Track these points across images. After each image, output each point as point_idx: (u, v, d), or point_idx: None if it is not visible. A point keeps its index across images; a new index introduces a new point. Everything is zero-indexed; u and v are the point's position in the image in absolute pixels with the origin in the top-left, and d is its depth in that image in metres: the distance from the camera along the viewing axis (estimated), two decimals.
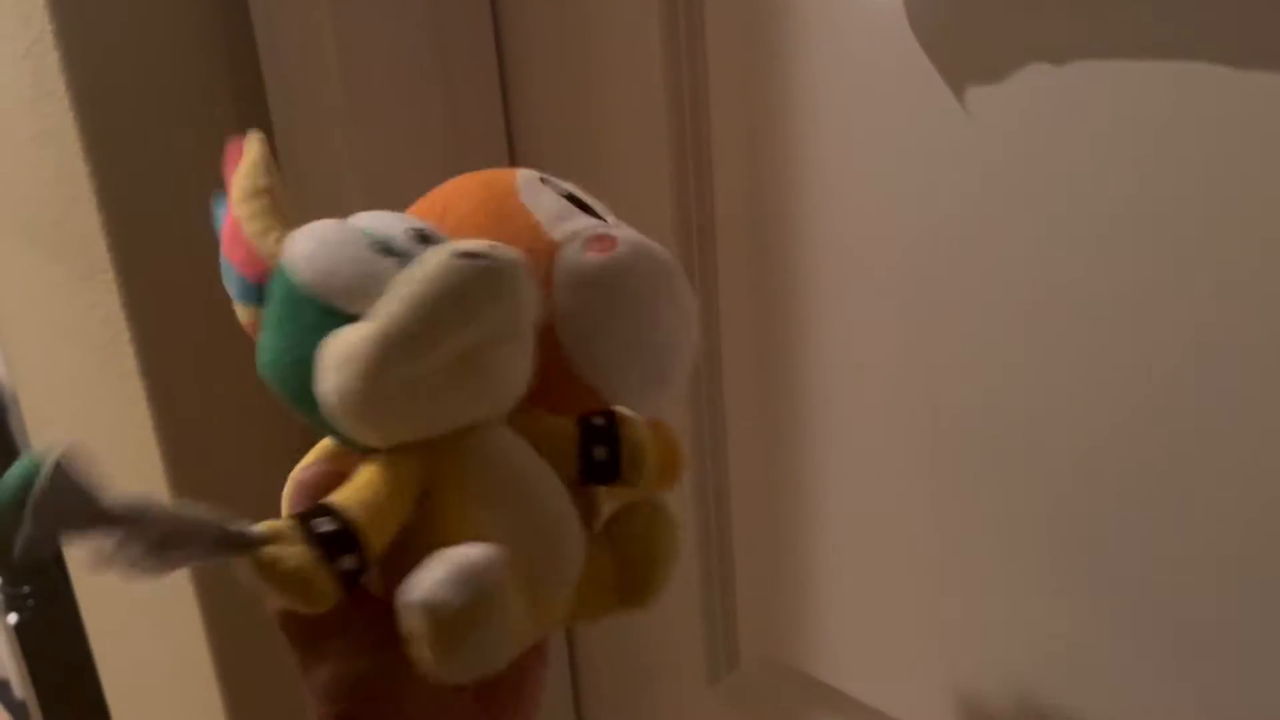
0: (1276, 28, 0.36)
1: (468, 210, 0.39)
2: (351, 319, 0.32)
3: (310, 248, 0.34)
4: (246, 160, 0.37)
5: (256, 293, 0.35)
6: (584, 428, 0.38)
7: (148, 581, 0.29)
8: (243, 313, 0.37)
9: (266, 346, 0.34)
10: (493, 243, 0.33)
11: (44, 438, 0.89)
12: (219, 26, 0.65)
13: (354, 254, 0.33)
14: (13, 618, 1.63)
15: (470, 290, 0.32)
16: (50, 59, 0.61)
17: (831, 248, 0.51)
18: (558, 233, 0.39)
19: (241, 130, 0.65)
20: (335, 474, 0.35)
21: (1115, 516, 0.45)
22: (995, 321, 0.47)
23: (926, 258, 0.48)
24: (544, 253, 0.38)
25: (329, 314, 0.32)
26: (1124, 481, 0.44)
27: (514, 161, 0.67)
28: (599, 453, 0.37)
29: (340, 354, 0.32)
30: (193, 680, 0.75)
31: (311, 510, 0.32)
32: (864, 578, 0.56)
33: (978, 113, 0.44)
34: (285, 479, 0.38)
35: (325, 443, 0.38)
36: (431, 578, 0.30)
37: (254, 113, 0.66)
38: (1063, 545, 0.47)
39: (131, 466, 0.71)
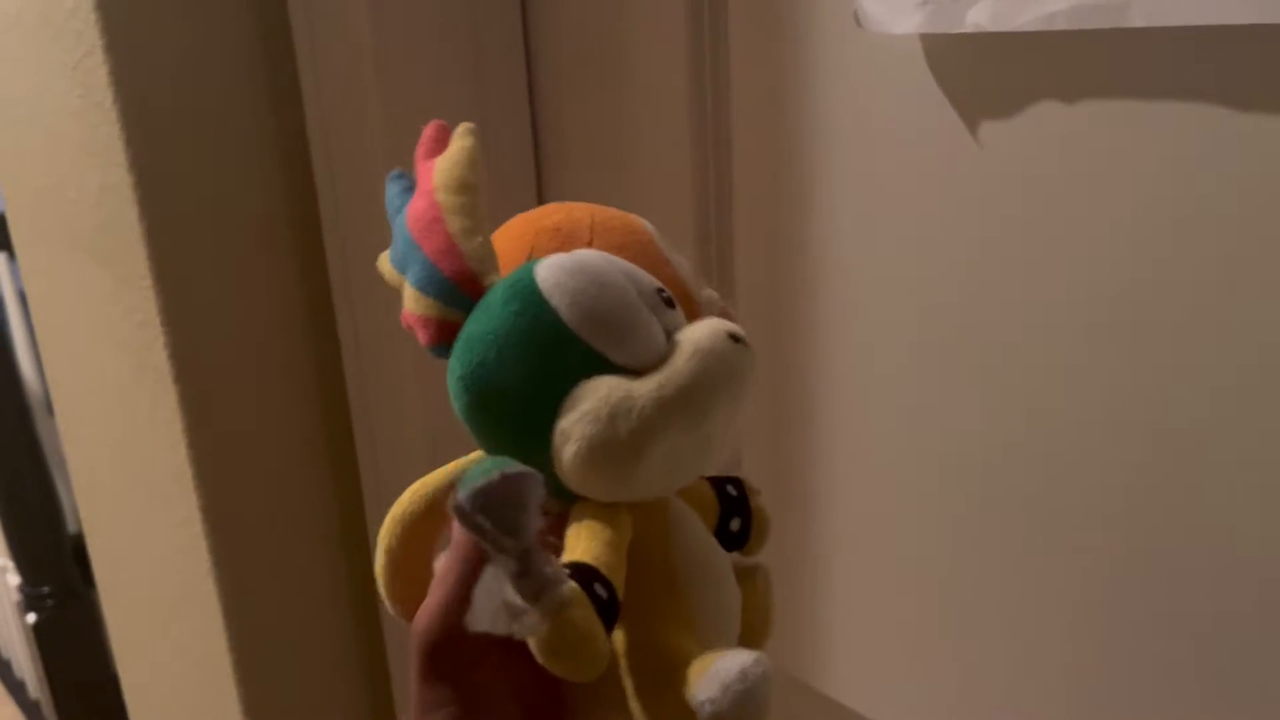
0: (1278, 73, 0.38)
1: (617, 244, 0.37)
2: (616, 368, 0.32)
3: (577, 284, 0.32)
4: (459, 149, 0.36)
5: (448, 290, 0.34)
6: (721, 497, 0.38)
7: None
8: (418, 303, 0.35)
9: (493, 364, 0.33)
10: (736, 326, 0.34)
11: (76, 438, 0.91)
12: (260, 44, 0.67)
13: (625, 302, 0.33)
14: (31, 617, 1.65)
15: (741, 372, 0.33)
16: (100, 73, 0.63)
17: (846, 272, 0.53)
18: (700, 295, 0.38)
19: (280, 146, 0.68)
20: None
21: (1121, 541, 0.46)
22: (1004, 352, 0.48)
23: (938, 285, 0.49)
24: (693, 314, 0.37)
25: (593, 358, 0.32)
26: (1135, 508, 0.46)
27: (539, 166, 0.68)
28: (735, 524, 0.38)
29: (620, 405, 0.31)
30: (212, 683, 0.77)
31: (581, 572, 0.31)
32: (865, 589, 0.58)
33: (990, 147, 0.46)
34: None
35: (460, 465, 0.37)
36: (728, 687, 0.29)
37: (293, 128, 0.68)
38: (1068, 565, 0.48)
39: (162, 469, 0.73)
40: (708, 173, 0.57)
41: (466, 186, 0.35)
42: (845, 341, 0.54)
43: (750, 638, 0.38)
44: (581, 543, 0.32)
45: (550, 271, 0.33)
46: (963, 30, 0.43)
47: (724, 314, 0.37)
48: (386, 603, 0.39)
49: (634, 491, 0.33)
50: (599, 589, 0.30)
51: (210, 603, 0.72)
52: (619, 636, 0.33)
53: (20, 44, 0.71)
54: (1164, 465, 0.44)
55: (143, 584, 0.84)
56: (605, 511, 0.33)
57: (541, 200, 0.69)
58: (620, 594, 0.32)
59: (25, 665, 1.86)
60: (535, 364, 0.32)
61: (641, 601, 0.33)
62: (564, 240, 0.37)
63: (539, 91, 0.66)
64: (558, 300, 0.32)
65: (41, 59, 0.69)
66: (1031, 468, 0.48)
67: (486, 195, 0.35)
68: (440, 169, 0.35)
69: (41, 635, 1.66)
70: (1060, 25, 0.41)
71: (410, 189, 0.37)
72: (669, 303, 0.34)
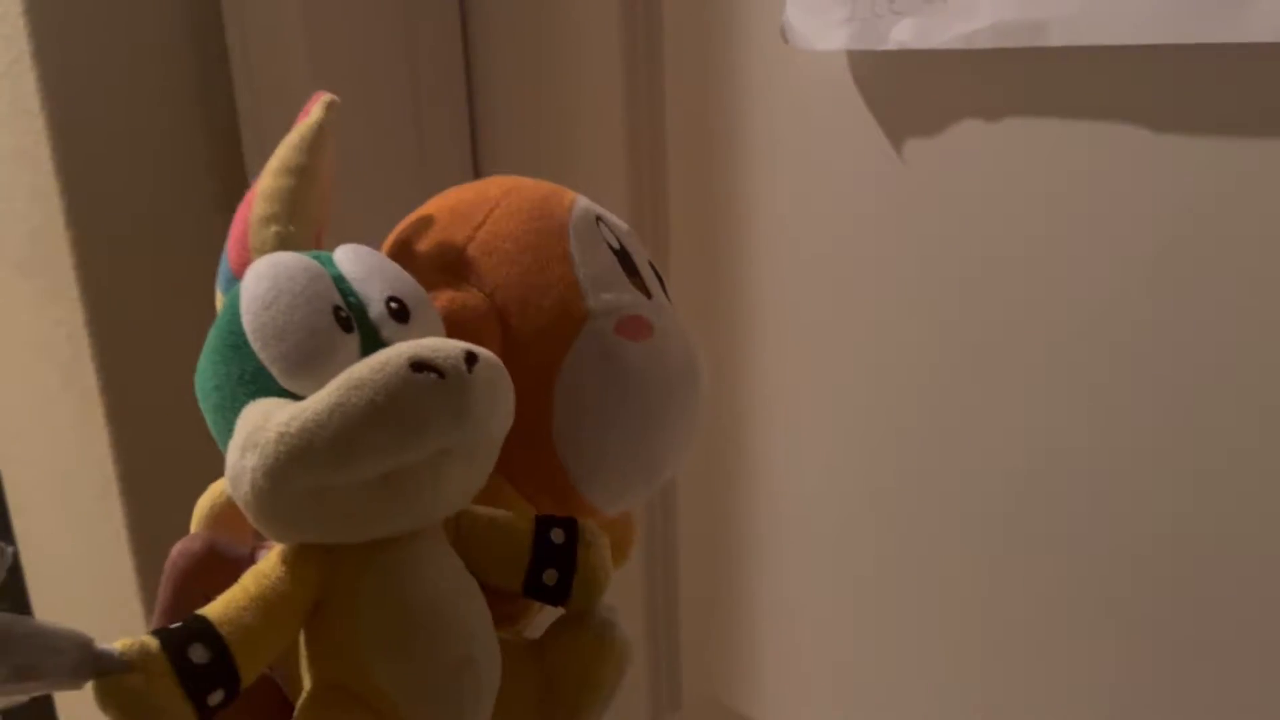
0: (1196, 95, 0.38)
1: (510, 231, 0.35)
2: (284, 393, 0.28)
3: (266, 289, 0.28)
4: (302, 128, 0.32)
5: (230, 284, 0.31)
6: (538, 542, 0.32)
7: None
8: (219, 302, 0.32)
9: (199, 368, 0.31)
10: (468, 349, 0.28)
11: (7, 454, 0.89)
12: (193, 49, 0.66)
13: (311, 320, 0.28)
14: None
15: (414, 413, 0.26)
16: (28, 79, 0.62)
17: (779, 281, 0.53)
18: (594, 300, 0.34)
19: (213, 153, 0.67)
20: (220, 557, 0.31)
21: (1063, 559, 0.46)
22: (926, 362, 0.48)
23: (862, 295, 0.49)
24: (573, 319, 0.34)
25: (262, 377, 0.28)
26: (1067, 506, 0.45)
27: (475, 149, 0.67)
28: (548, 576, 0.32)
29: (250, 438, 0.27)
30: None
31: (184, 630, 0.26)
32: (809, 621, 0.57)
33: (913, 164, 0.46)
34: None
35: (218, 492, 0.34)
36: None
37: (226, 134, 0.67)
38: (1013, 592, 0.48)
39: (89, 483, 0.71)
40: (641, 178, 0.57)
41: (290, 170, 0.31)
42: (778, 349, 0.54)
43: (557, 698, 0.32)
44: (234, 591, 0.28)
45: (254, 273, 0.29)
46: (886, 47, 0.43)
47: (630, 323, 0.34)
48: None
49: (298, 538, 0.29)
50: (197, 652, 0.26)
51: (136, 624, 0.70)
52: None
53: None
54: (1107, 485, 0.44)
55: (71, 605, 0.82)
56: (284, 559, 0.29)
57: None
58: (257, 657, 0.27)
59: None
60: (221, 373, 0.29)
61: (320, 655, 0.29)
62: (452, 222, 0.35)
63: (477, 94, 0.66)
64: (249, 309, 0.28)
65: None
66: (967, 483, 0.48)
67: (323, 181, 0.32)
68: (277, 149, 0.32)
69: None
70: (982, 43, 0.41)
71: None
72: (398, 315, 0.29)
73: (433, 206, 0.37)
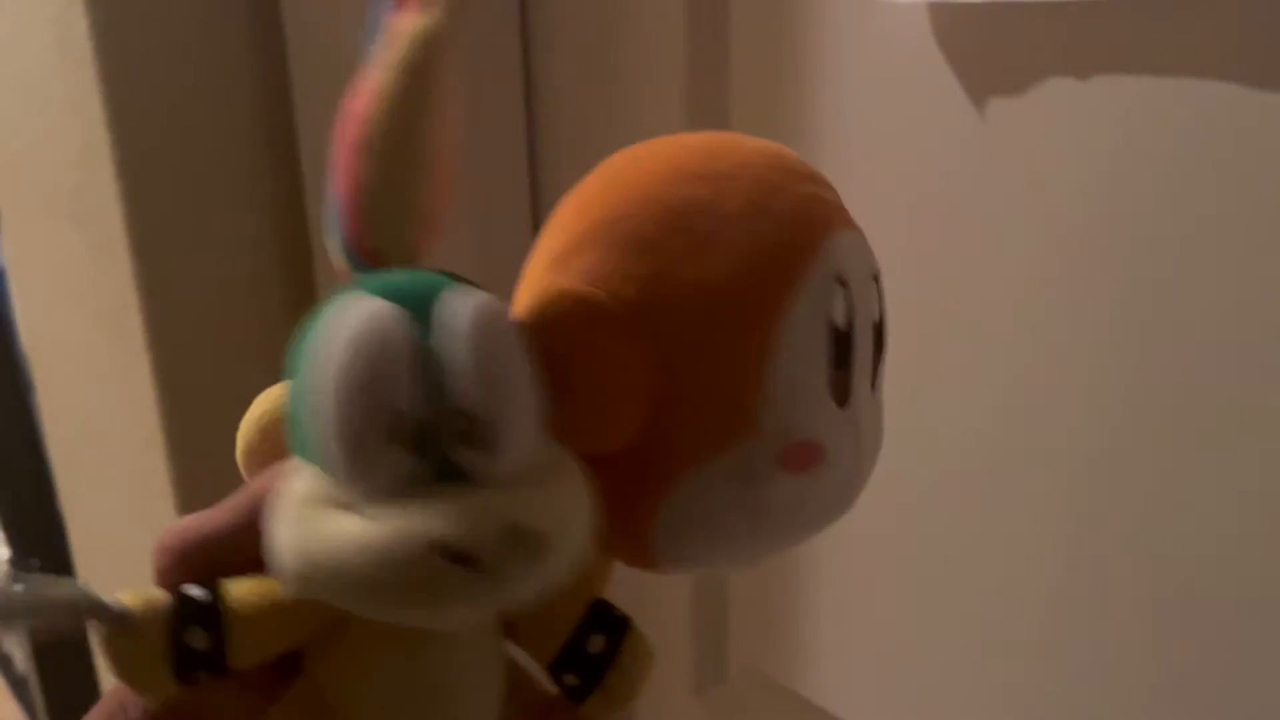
0: None
1: (720, 276, 0.24)
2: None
3: (330, 376, 0.21)
4: (417, 42, 0.23)
5: (344, 244, 0.24)
6: (571, 642, 0.27)
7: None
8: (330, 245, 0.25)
9: (298, 380, 0.24)
10: (524, 527, 0.21)
11: (53, 408, 0.89)
12: (249, 3, 0.65)
13: (365, 433, 0.21)
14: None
15: (431, 599, 0.21)
16: (80, 26, 0.61)
17: None
18: (769, 416, 0.24)
19: (265, 110, 0.66)
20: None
21: (1120, 559, 0.44)
22: (1004, 334, 0.46)
23: (938, 262, 0.47)
24: (733, 431, 0.24)
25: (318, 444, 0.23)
26: (1137, 514, 0.43)
27: (531, 148, 0.66)
28: (595, 644, 0.27)
29: (293, 514, 0.23)
30: None
31: (192, 609, 0.24)
32: (858, 597, 0.55)
33: (997, 123, 0.43)
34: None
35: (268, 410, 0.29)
36: None
37: (279, 91, 0.66)
38: (1065, 583, 0.46)
39: (133, 436, 0.71)
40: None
41: (413, 108, 0.23)
42: None
43: None
44: (260, 583, 0.24)
45: (329, 324, 0.22)
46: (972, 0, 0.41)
47: (800, 453, 0.25)
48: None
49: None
50: (195, 635, 0.23)
51: None
52: None
53: None
54: (1178, 468, 0.41)
55: (118, 560, 0.83)
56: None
57: (535, 186, 0.66)
58: (257, 654, 0.24)
59: (12, 640, 1.84)
60: (302, 412, 0.23)
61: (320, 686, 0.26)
62: (660, 237, 0.24)
63: (535, 71, 0.64)
64: (309, 359, 0.22)
65: (19, 10, 0.67)
66: (1032, 464, 0.46)
67: (450, 118, 0.23)
68: (390, 68, 0.23)
69: None
70: None
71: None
72: (476, 441, 0.22)
73: (632, 191, 0.25)
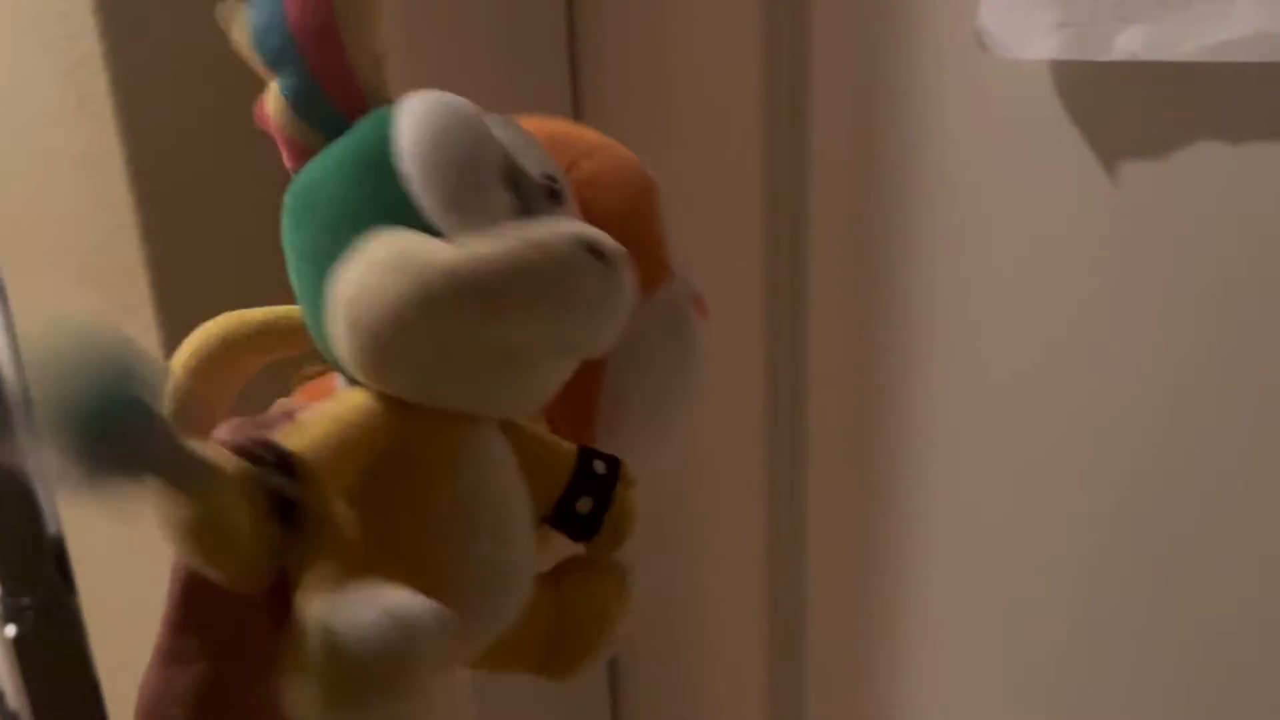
0: None
1: (612, 172, 0.35)
2: (424, 229, 0.26)
3: (430, 135, 0.27)
4: None
5: (325, 113, 0.29)
6: (580, 468, 0.31)
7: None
8: (288, 124, 0.30)
9: (317, 179, 0.28)
10: (624, 252, 0.27)
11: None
12: None
13: (478, 173, 0.27)
14: (11, 630, 1.59)
15: (579, 290, 0.26)
16: (98, 81, 0.57)
17: (951, 323, 0.48)
18: (676, 265, 0.36)
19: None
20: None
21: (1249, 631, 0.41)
22: (1128, 408, 0.43)
23: (1060, 338, 0.44)
24: (655, 278, 0.35)
25: (400, 207, 0.27)
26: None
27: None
28: (582, 505, 0.31)
29: (399, 260, 0.26)
30: None
31: (272, 455, 0.25)
32: (945, 655, 0.53)
33: (1131, 189, 0.40)
34: None
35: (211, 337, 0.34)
36: (358, 608, 0.24)
37: None
38: (1176, 607, 0.44)
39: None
40: (778, 216, 0.52)
41: None
42: (939, 407, 0.49)
43: (566, 638, 0.31)
44: (309, 427, 0.27)
45: (408, 112, 0.28)
46: (1109, 58, 0.38)
47: (699, 301, 0.35)
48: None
49: (397, 387, 0.27)
50: (273, 475, 0.25)
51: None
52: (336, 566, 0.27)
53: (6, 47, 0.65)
54: None
55: (125, 588, 0.79)
56: (371, 403, 0.28)
57: None
58: (328, 500, 0.26)
59: (4, 676, 1.79)
60: (351, 192, 0.27)
61: (388, 533, 0.27)
62: (551, 147, 0.31)
63: (584, 107, 0.61)
64: (402, 127, 0.27)
65: (31, 64, 0.62)
66: (1165, 528, 0.43)
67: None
68: None
69: (22, 647, 1.60)
70: (1235, 56, 0.35)
71: None
72: (554, 195, 0.29)
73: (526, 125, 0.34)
